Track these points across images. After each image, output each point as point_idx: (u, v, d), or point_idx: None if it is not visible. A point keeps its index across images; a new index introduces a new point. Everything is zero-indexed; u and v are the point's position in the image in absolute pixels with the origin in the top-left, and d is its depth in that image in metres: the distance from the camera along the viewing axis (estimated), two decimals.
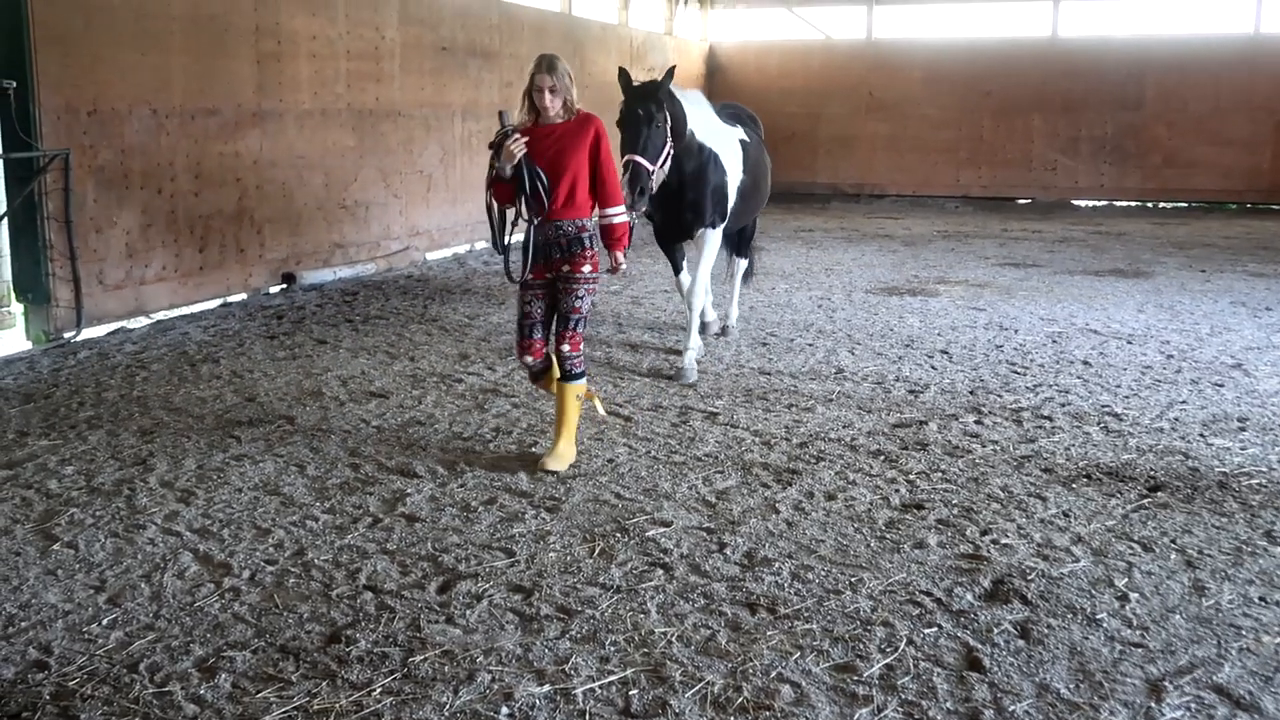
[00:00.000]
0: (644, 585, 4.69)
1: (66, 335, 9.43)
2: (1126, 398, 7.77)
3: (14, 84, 8.92)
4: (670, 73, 7.57)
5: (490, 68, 16.02)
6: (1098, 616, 4.44)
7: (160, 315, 10.47)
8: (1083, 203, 22.80)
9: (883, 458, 6.43)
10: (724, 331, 9.71)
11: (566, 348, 6.05)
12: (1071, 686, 3.90)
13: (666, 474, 6.11)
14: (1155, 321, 10.53)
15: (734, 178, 8.60)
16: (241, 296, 11.50)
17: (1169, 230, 18.47)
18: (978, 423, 7.13)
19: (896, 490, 5.89)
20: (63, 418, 7.12)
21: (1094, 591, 4.67)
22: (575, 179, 5.93)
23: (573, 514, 5.50)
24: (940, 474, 6.15)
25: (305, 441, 6.63)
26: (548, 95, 5.87)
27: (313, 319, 10.43)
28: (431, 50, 14.62)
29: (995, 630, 4.31)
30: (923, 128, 23.35)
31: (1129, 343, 9.58)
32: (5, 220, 9.23)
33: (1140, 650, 4.17)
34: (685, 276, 8.77)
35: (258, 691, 3.84)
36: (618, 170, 6.31)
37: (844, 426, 7.05)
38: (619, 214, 6.18)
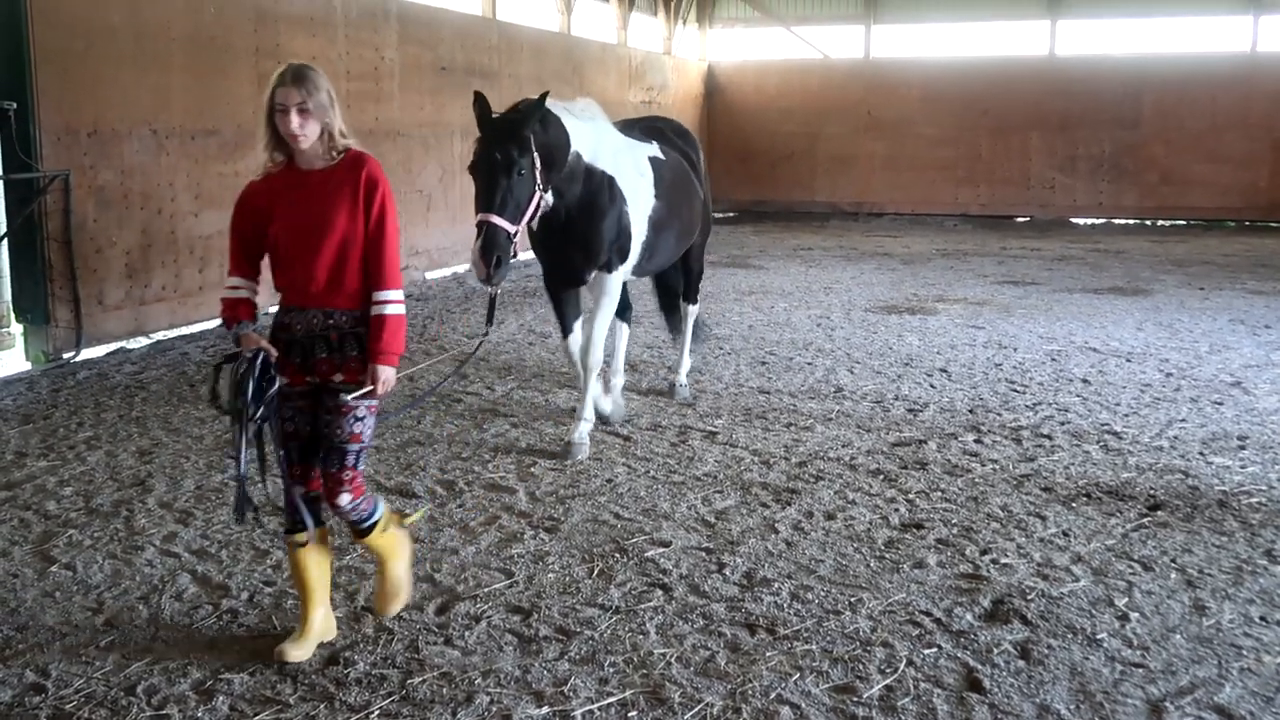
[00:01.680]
0: (643, 606, 4.67)
1: (66, 356, 9.42)
2: (1126, 416, 7.76)
3: (14, 105, 8.94)
4: (540, 100, 6.03)
5: (489, 88, 15.91)
6: (1098, 636, 4.42)
7: (160, 335, 10.47)
8: (1081, 221, 22.86)
9: (882, 477, 6.42)
10: (671, 390, 8.20)
11: (345, 499, 4.17)
12: (1072, 707, 3.89)
13: (665, 494, 6.10)
14: (1154, 339, 10.53)
15: (640, 206, 6.91)
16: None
17: (1167, 248, 18.50)
18: (977, 441, 7.13)
19: (896, 510, 5.88)
20: (61, 438, 7.11)
21: (1094, 611, 4.66)
22: (344, 248, 4.10)
23: (571, 534, 5.49)
24: (940, 493, 6.14)
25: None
26: (294, 118, 3.99)
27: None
28: (430, 70, 14.67)
29: (995, 651, 4.30)
30: (921, 146, 23.42)
31: (1128, 361, 9.58)
32: (5, 241, 9.24)
33: (1141, 670, 4.16)
34: (576, 340, 7.02)
35: (255, 714, 3.83)
36: (397, 246, 4.22)
37: (843, 446, 7.04)
38: (395, 302, 4.15)
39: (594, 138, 6.68)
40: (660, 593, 4.81)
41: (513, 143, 5.83)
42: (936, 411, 7.89)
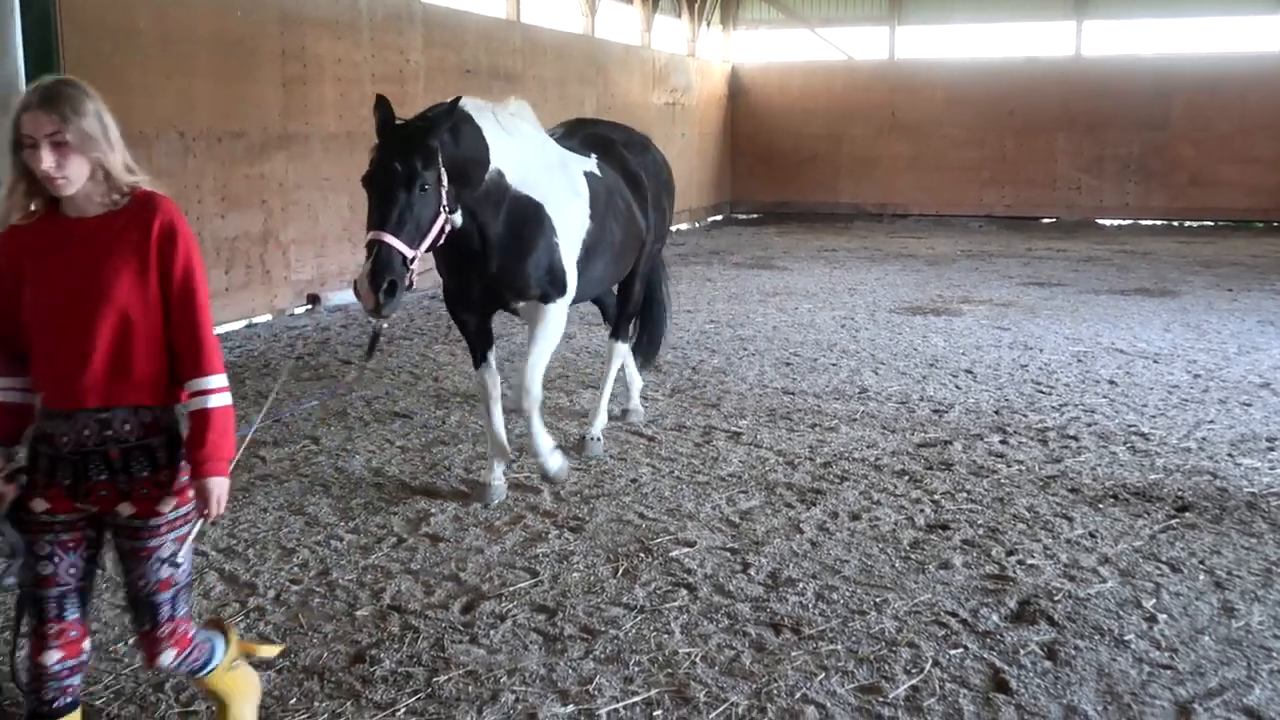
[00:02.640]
0: (668, 605, 4.67)
1: None
2: (1153, 417, 7.71)
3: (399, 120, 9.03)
4: (452, 106, 5.18)
5: (513, 90, 16.09)
6: (1125, 638, 4.40)
7: None
8: (1107, 222, 22.72)
9: (907, 478, 6.40)
10: (581, 444, 6.95)
11: (169, 657, 3.21)
12: (1099, 708, 3.87)
13: (690, 494, 6.10)
14: (1182, 340, 10.46)
15: (573, 231, 6.00)
16: (267, 318, 11.56)
17: (1195, 249, 18.37)
18: (1003, 443, 7.09)
19: (921, 510, 5.86)
20: None
21: (1121, 612, 4.63)
22: (126, 324, 3.00)
23: (596, 534, 5.50)
24: (965, 494, 6.12)
25: (330, 461, 6.65)
26: (47, 155, 2.91)
27: (337, 340, 10.48)
28: (455, 73, 14.72)
29: (1022, 651, 4.28)
30: (946, 147, 23.33)
31: (1155, 362, 9.52)
32: None
33: (1169, 672, 4.13)
34: (491, 376, 6.06)
35: (282, 711, 3.85)
36: (210, 315, 3.13)
37: (868, 446, 7.02)
38: (219, 391, 3.10)
39: (521, 154, 5.68)
40: (685, 592, 4.81)
41: (416, 153, 4.96)
42: (962, 412, 7.86)
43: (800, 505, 5.93)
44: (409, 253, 4.91)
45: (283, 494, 6.08)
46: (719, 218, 24.39)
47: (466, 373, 9.03)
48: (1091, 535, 5.50)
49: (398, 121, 5.08)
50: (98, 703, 3.90)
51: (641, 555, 5.22)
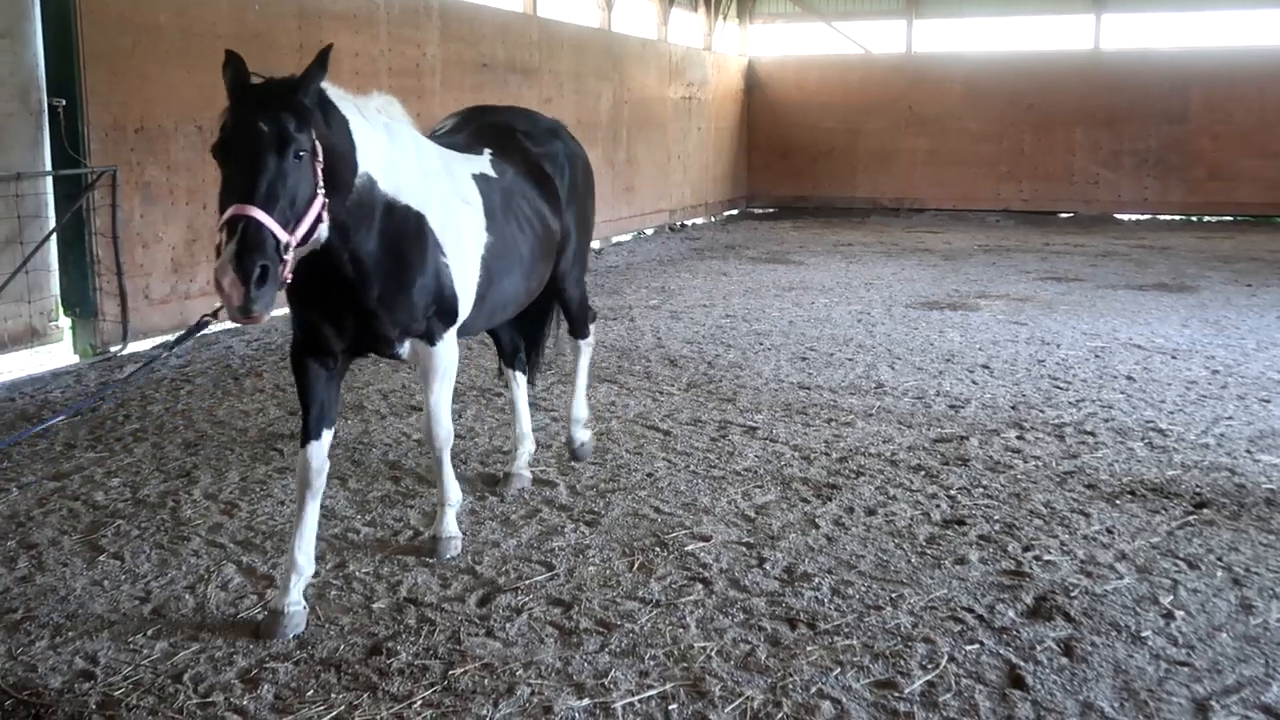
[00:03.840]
0: (683, 600, 4.68)
1: (113, 349, 9.56)
2: (1171, 413, 7.68)
3: (63, 102, 9.10)
4: (321, 59, 4.15)
5: (530, 84, 16.12)
6: (1142, 634, 4.39)
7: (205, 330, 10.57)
8: (1125, 217, 22.61)
9: (923, 473, 6.39)
10: (506, 481, 6.09)
11: None
12: (1116, 705, 3.86)
13: (706, 488, 6.10)
14: (1200, 336, 10.41)
15: (466, 247, 4.97)
16: (284, 311, 11.57)
17: (1214, 244, 18.27)
18: (1019, 438, 7.08)
19: (937, 505, 5.85)
20: (109, 430, 7.21)
21: (1138, 609, 4.62)
22: None
23: (612, 528, 5.51)
24: (981, 489, 6.11)
25: (347, 455, 6.68)
26: None
27: None
28: (472, 67, 14.73)
29: (1038, 647, 4.27)
30: (963, 142, 23.25)
31: (1173, 358, 9.47)
32: (54, 236, 9.37)
33: (1186, 669, 4.12)
34: (320, 458, 4.63)
35: (300, 703, 3.87)
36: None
37: (884, 441, 7.01)
38: None
39: (394, 155, 4.63)
40: (700, 587, 4.81)
41: (287, 110, 3.97)
42: (978, 408, 7.84)
43: (816, 500, 5.92)
44: (283, 237, 3.86)
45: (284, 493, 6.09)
46: (735, 212, 24.36)
47: (482, 366, 9.04)
48: (1109, 531, 5.49)
49: (255, 81, 4.10)
50: (117, 693, 3.92)
51: (657, 549, 5.23)
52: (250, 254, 3.74)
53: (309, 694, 3.93)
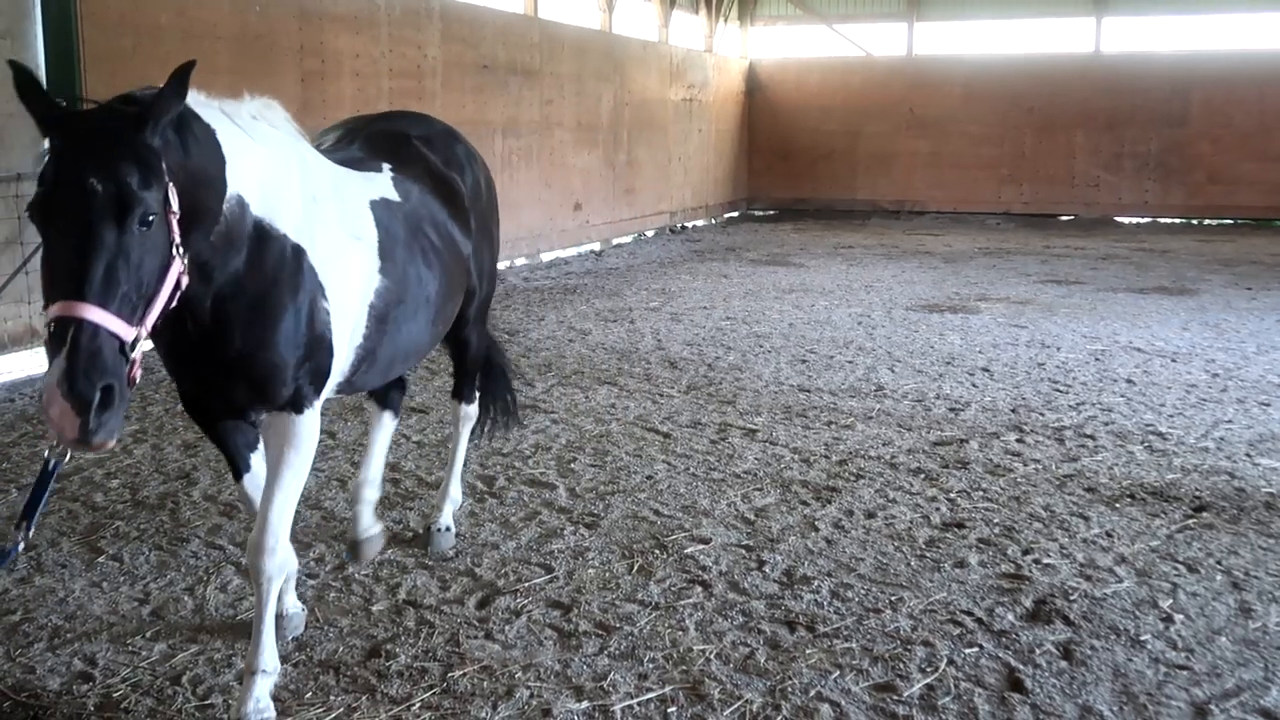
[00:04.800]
0: (682, 602, 4.68)
1: None
2: (1171, 417, 7.68)
3: (64, 103, 9.07)
4: (178, 80, 3.13)
5: (530, 86, 16.12)
6: (1142, 638, 4.38)
7: None
8: (1126, 219, 22.62)
9: (923, 476, 6.39)
10: (426, 536, 5.30)
11: None
12: (1115, 709, 3.86)
13: (705, 491, 6.10)
14: (1200, 339, 10.41)
15: (352, 292, 3.99)
16: None
17: (1214, 247, 18.27)
18: (1019, 441, 7.08)
19: (937, 509, 5.85)
20: None
21: (1138, 613, 4.62)
22: None
23: (611, 530, 5.50)
24: (981, 493, 6.11)
25: (346, 456, 6.67)
26: None
27: None
28: (473, 68, 14.74)
29: (1037, 651, 4.27)
30: (964, 144, 23.26)
31: (1173, 361, 9.47)
32: None
33: (1185, 673, 4.11)
34: (251, 486, 4.11)
35: (298, 705, 3.86)
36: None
37: (884, 444, 7.01)
38: None
39: (272, 172, 3.69)
40: (700, 589, 4.81)
41: (127, 159, 3.00)
42: (978, 411, 7.84)
43: (816, 503, 5.92)
44: (127, 335, 2.98)
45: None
46: (735, 214, 24.37)
47: None
48: (1108, 535, 5.48)
49: (85, 106, 3.20)
50: (115, 695, 3.92)
51: (656, 552, 5.23)
52: (87, 374, 2.84)
53: (307, 696, 3.93)
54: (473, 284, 4.99)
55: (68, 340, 2.86)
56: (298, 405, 3.81)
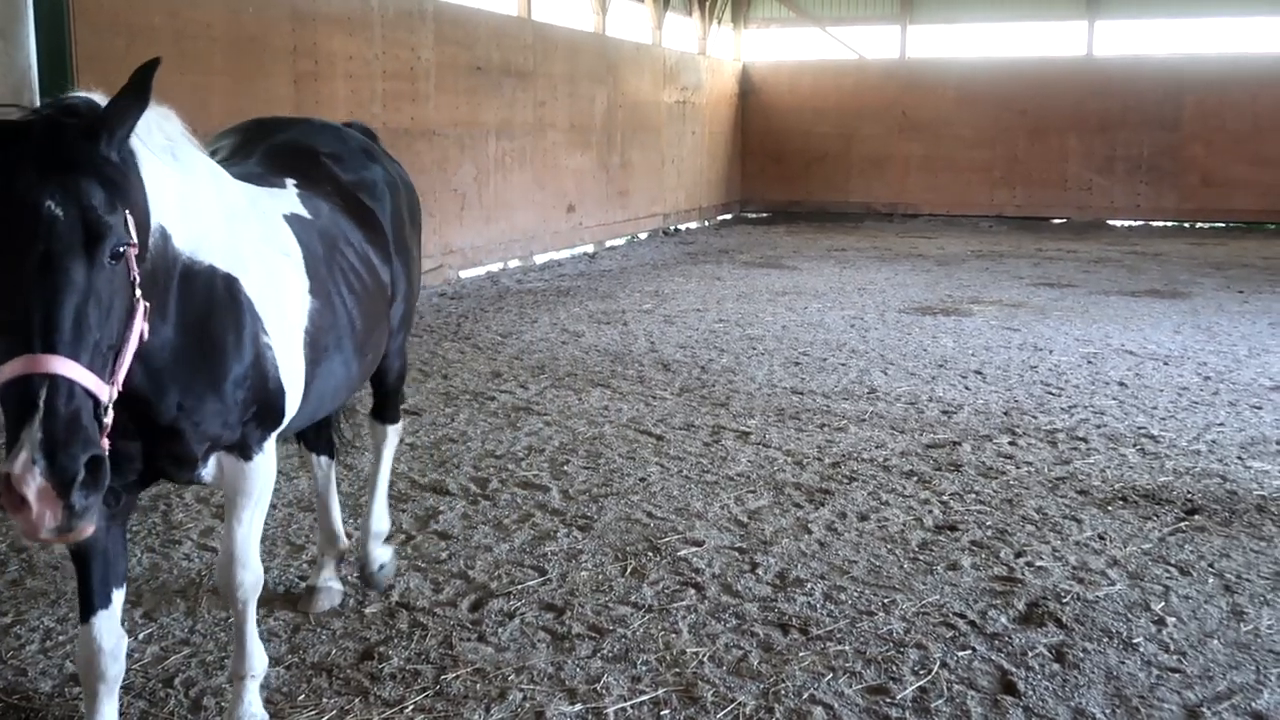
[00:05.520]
0: (676, 605, 4.68)
1: None
2: (1163, 419, 7.70)
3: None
4: (141, 80, 2.70)
5: (524, 87, 16.12)
6: (1134, 641, 4.39)
7: None
8: (1118, 223, 22.66)
9: (916, 478, 6.40)
10: (362, 573, 4.84)
11: None
12: (1107, 711, 3.87)
13: (698, 493, 6.10)
14: (1192, 343, 10.43)
15: (289, 319, 3.53)
16: None
17: (1206, 250, 18.32)
18: (1012, 444, 7.09)
19: (930, 511, 5.85)
20: None
21: (1130, 615, 4.62)
22: None
23: (605, 533, 5.50)
24: (974, 495, 6.11)
25: (339, 459, 6.66)
26: None
27: None
28: (466, 70, 14.73)
29: (1030, 653, 4.27)
30: (957, 147, 23.30)
31: (1165, 364, 9.49)
32: None
33: (1177, 675, 4.12)
34: (112, 635, 3.36)
35: (291, 708, 3.86)
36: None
37: (877, 447, 7.02)
38: None
39: (189, 196, 3.13)
40: (693, 592, 4.81)
41: (88, 175, 2.58)
42: (971, 413, 7.85)
43: (809, 505, 5.93)
44: (103, 394, 2.53)
45: (291, 490, 6.09)
46: (728, 216, 24.38)
47: (476, 370, 9.03)
48: (1100, 537, 5.49)
49: (20, 116, 2.67)
50: None
51: (650, 554, 5.23)
52: (68, 444, 2.38)
53: (300, 698, 3.92)
54: (393, 309, 4.44)
55: (39, 404, 2.40)
56: (245, 452, 3.41)
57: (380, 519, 4.89)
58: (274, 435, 3.53)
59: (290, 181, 3.97)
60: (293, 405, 3.53)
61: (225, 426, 3.28)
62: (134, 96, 2.68)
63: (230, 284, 3.24)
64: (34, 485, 2.35)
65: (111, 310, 2.60)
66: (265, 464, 3.50)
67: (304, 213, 3.84)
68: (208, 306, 3.17)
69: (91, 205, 2.54)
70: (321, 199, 4.02)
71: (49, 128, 2.60)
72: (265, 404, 3.39)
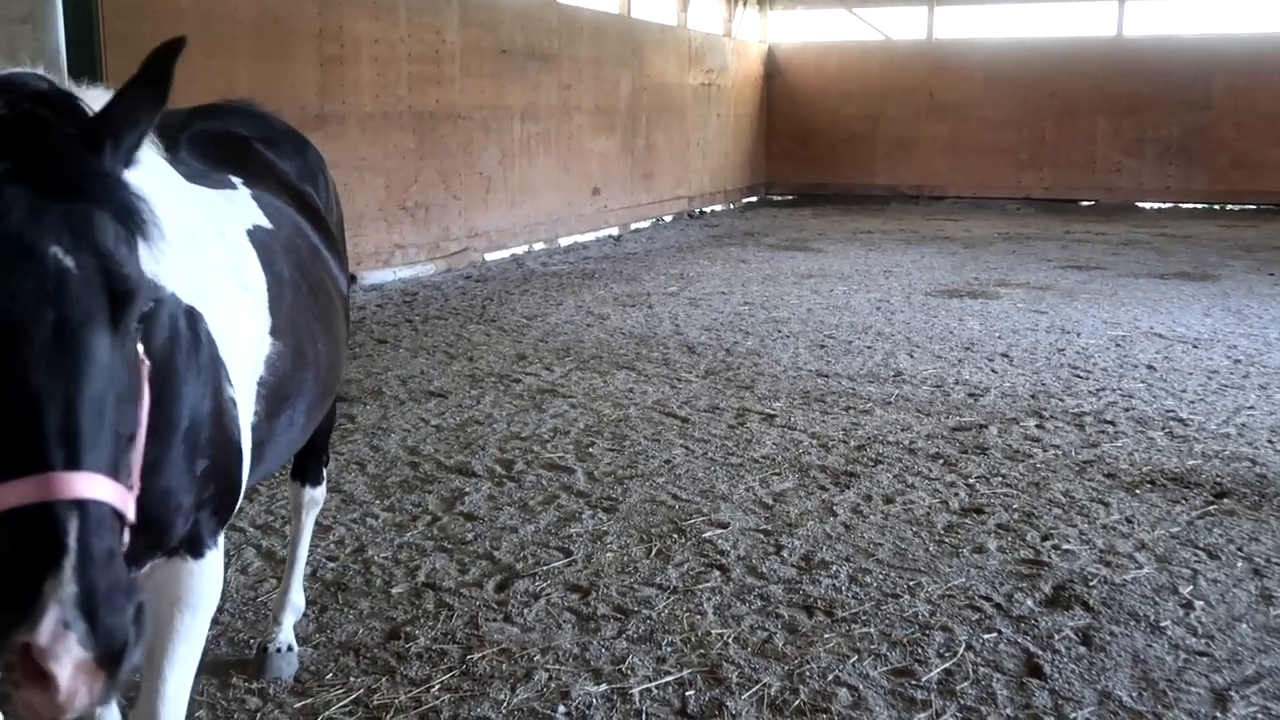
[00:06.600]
0: (701, 586, 4.69)
1: None
2: (1192, 403, 7.64)
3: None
4: (162, 61, 1.94)
5: (549, 70, 16.10)
6: (1161, 624, 4.37)
7: None
8: (1147, 205, 22.46)
9: (942, 461, 6.38)
10: (263, 656, 3.94)
11: None
12: (1134, 695, 3.85)
13: (723, 475, 6.10)
14: (1222, 325, 10.34)
15: (244, 364, 2.67)
16: None
17: (1236, 233, 18.14)
18: (1039, 427, 7.05)
19: (956, 494, 5.84)
20: None
21: (1158, 599, 4.60)
22: None
23: (630, 514, 5.51)
24: (1000, 478, 6.09)
25: (365, 440, 6.70)
26: None
27: (373, 319, 10.54)
28: (491, 53, 14.72)
29: (1056, 636, 4.26)
30: (983, 129, 23.13)
31: (1195, 347, 9.42)
32: None
33: (1205, 659, 4.10)
34: None
35: (319, 685, 3.89)
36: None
37: (902, 429, 7.00)
38: None
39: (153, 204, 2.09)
40: (718, 573, 4.82)
41: (99, 202, 1.83)
42: (997, 396, 7.81)
43: (834, 488, 5.92)
44: (131, 512, 1.87)
45: None
46: (754, 199, 24.31)
47: (501, 352, 9.05)
48: (1128, 521, 5.46)
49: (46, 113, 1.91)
50: (135, 678, 3.94)
51: (675, 536, 5.23)
52: (112, 598, 1.70)
53: (328, 677, 3.95)
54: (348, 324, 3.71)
55: (68, 542, 1.69)
56: (196, 547, 2.56)
57: (296, 592, 4.12)
58: (225, 527, 2.70)
59: (238, 181, 3.19)
60: (245, 480, 2.68)
61: (183, 510, 2.43)
62: (150, 88, 1.93)
63: (193, 320, 2.42)
64: (70, 658, 1.64)
65: (128, 389, 1.89)
66: (214, 569, 2.63)
67: (265, 223, 3.08)
68: (169, 348, 2.30)
69: (111, 251, 1.81)
70: (275, 198, 3.28)
71: (32, 131, 1.83)
72: (224, 477, 2.55)
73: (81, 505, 1.71)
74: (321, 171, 3.77)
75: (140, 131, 1.94)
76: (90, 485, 1.73)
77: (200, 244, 2.60)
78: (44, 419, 1.72)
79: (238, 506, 2.73)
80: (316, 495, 4.19)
